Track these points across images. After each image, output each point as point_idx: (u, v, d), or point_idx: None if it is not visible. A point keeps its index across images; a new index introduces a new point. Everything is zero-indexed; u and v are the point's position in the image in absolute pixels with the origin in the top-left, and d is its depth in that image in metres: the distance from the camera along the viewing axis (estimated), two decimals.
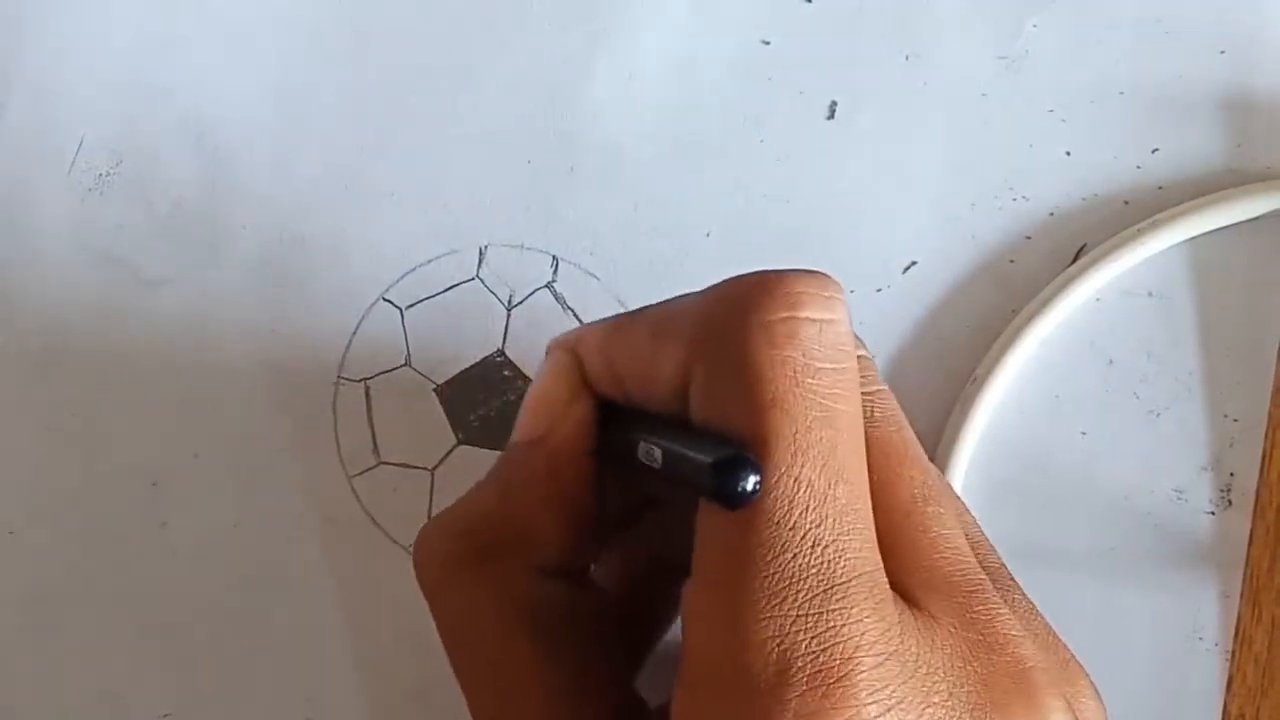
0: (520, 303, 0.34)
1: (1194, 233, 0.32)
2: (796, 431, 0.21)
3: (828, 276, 0.22)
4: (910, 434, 0.24)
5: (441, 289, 0.34)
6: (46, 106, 0.35)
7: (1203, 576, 0.32)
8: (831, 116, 0.34)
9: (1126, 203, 0.33)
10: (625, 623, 0.27)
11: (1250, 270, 0.32)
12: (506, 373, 0.34)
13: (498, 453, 0.33)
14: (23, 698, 0.33)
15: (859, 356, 0.23)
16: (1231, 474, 0.32)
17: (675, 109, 0.34)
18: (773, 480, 0.21)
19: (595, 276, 0.34)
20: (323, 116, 0.34)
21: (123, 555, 0.34)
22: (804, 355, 0.21)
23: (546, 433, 0.25)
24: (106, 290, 0.34)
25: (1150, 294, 0.33)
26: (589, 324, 0.27)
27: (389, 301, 0.34)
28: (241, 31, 0.34)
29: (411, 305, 0.34)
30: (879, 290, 0.33)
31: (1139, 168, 0.33)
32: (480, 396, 0.34)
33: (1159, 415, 0.32)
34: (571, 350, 0.26)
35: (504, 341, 0.34)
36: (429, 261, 0.34)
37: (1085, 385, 0.33)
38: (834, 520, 0.21)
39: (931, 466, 0.25)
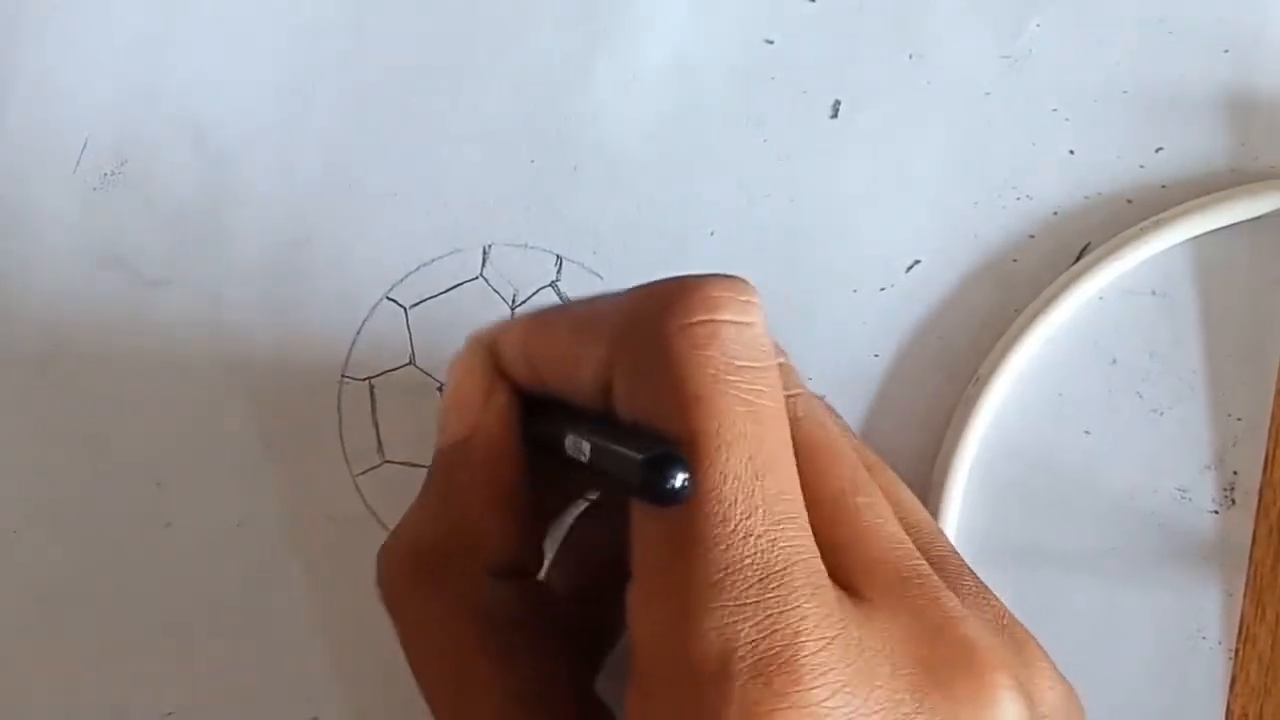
0: (524, 302, 0.34)
1: (1197, 232, 0.32)
2: (720, 426, 0.21)
3: (744, 281, 0.23)
4: (834, 431, 0.25)
5: (445, 288, 0.34)
6: (50, 107, 0.35)
7: (1206, 575, 0.32)
8: (834, 116, 0.34)
9: (1130, 202, 0.33)
10: (582, 626, 0.27)
11: (1254, 269, 0.32)
12: None
13: None
14: (25, 698, 0.33)
15: (780, 364, 0.23)
16: (1235, 473, 0.32)
17: (677, 109, 0.34)
18: (700, 474, 0.21)
19: (599, 275, 0.34)
20: (325, 116, 0.34)
21: (126, 555, 0.34)
22: (724, 354, 0.22)
23: (470, 431, 0.26)
24: (110, 290, 0.34)
25: (1153, 293, 0.33)
26: (505, 320, 0.27)
27: (393, 301, 0.34)
28: (243, 32, 0.34)
29: (416, 304, 0.34)
30: (882, 289, 0.33)
31: (1142, 167, 0.33)
32: None
33: (1162, 414, 0.32)
34: (485, 344, 0.26)
35: None
36: (433, 261, 0.34)
37: (1088, 384, 0.33)
38: (764, 511, 0.21)
39: (864, 457, 0.25)
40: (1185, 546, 0.32)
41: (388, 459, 0.34)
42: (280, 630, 0.33)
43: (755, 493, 0.21)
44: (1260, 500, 0.32)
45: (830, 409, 0.27)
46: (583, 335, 0.24)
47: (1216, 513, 0.32)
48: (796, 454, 0.22)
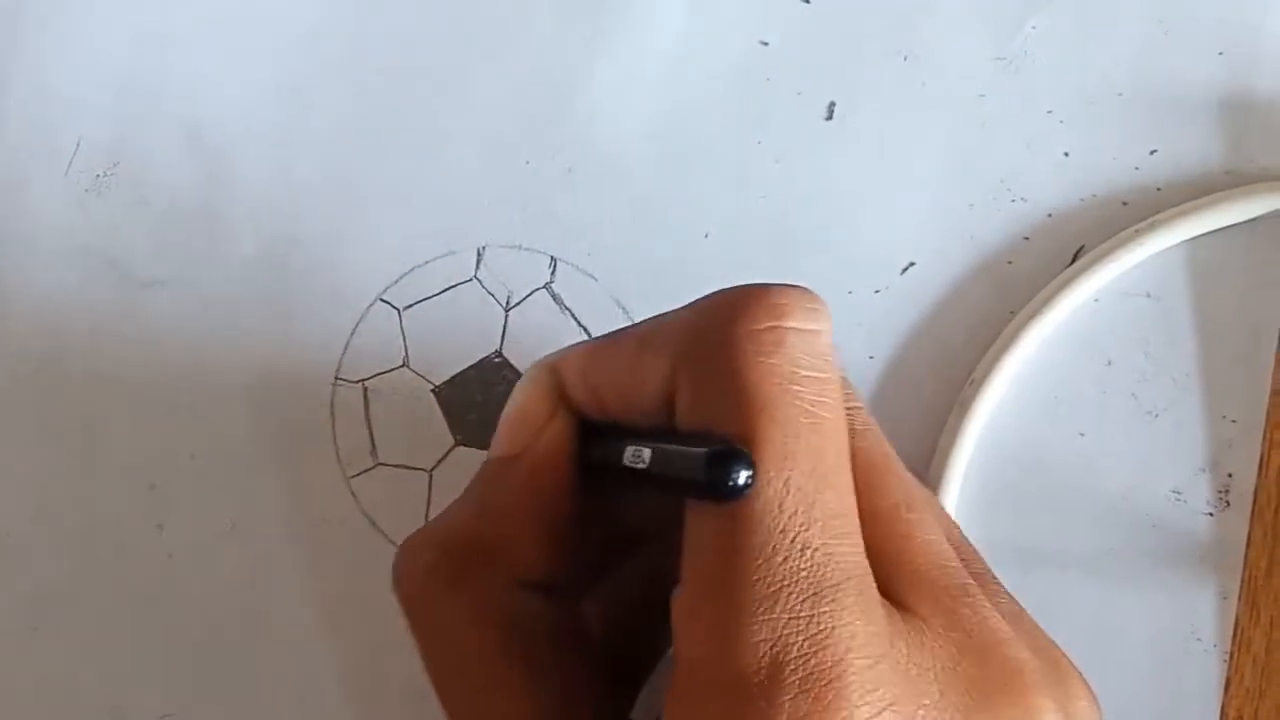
0: (518, 303, 0.34)
1: (1192, 234, 0.32)
2: (785, 437, 0.21)
3: (811, 290, 0.23)
4: (889, 447, 0.25)
5: (439, 290, 0.34)
6: (44, 107, 0.34)
7: (1201, 577, 0.32)
8: (830, 117, 0.34)
9: (1125, 204, 0.33)
10: (615, 655, 0.27)
11: (1248, 271, 0.32)
12: (505, 373, 0.34)
13: None
14: (22, 699, 0.33)
15: (840, 376, 0.23)
16: (1229, 475, 0.32)
17: (673, 110, 0.34)
18: (762, 483, 0.21)
19: (593, 277, 0.34)
20: (320, 117, 0.34)
21: (120, 557, 0.33)
22: (791, 363, 0.21)
23: (524, 449, 0.25)
24: (103, 291, 0.34)
25: (1148, 295, 0.33)
26: (569, 345, 0.27)
27: (387, 302, 0.34)
28: (239, 32, 0.34)
29: (409, 306, 0.34)
30: (877, 291, 0.33)
31: (1137, 169, 0.33)
32: (478, 397, 0.34)
33: (1157, 416, 0.32)
34: (550, 368, 0.26)
35: (502, 342, 0.34)
36: (427, 262, 0.34)
37: (1083, 386, 0.33)
38: (822, 524, 0.21)
39: (911, 476, 0.25)
40: (1180, 548, 0.32)
41: (381, 461, 0.33)
42: (276, 632, 0.33)
43: (815, 505, 0.21)
44: (1255, 502, 0.32)
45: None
46: (645, 351, 0.24)
47: (1211, 515, 0.32)
48: (854, 467, 0.22)
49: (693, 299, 0.24)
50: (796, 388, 0.21)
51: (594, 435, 0.26)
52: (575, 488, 0.25)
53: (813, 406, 0.21)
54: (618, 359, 0.25)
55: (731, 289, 0.23)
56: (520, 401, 0.26)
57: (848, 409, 0.23)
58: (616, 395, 0.25)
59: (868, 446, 0.24)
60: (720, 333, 0.22)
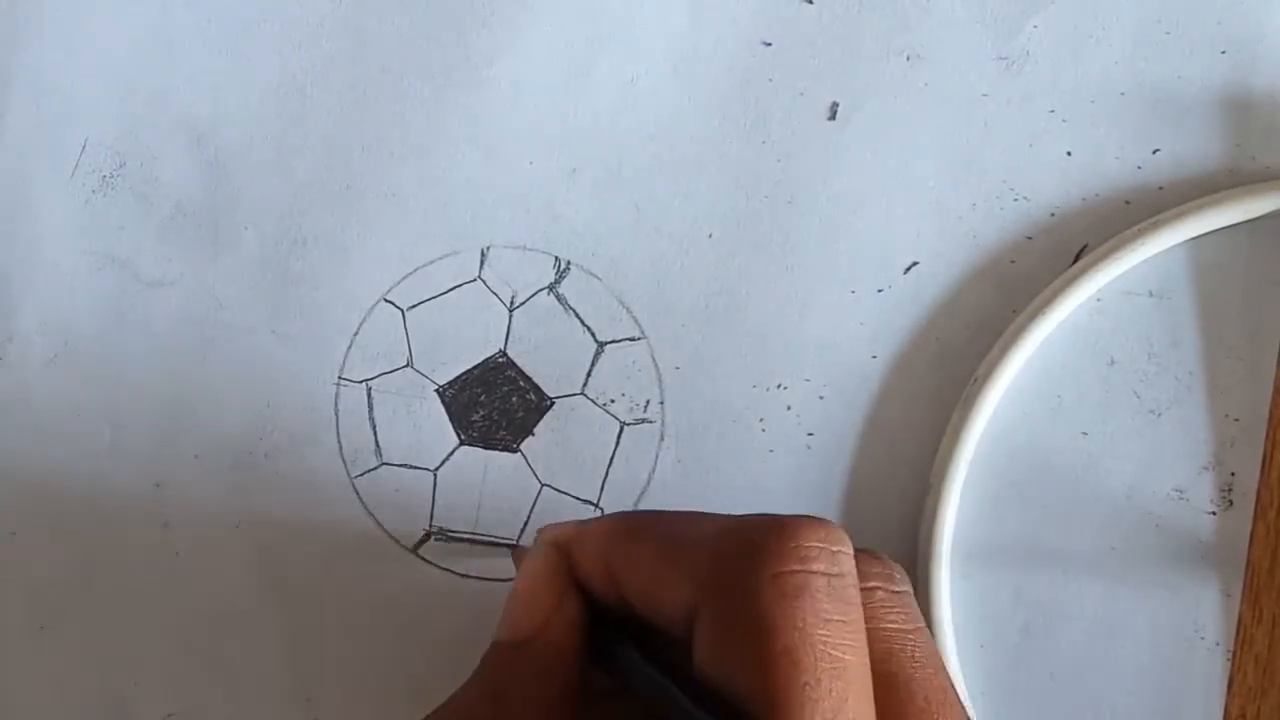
0: (522, 304, 0.34)
1: (1195, 233, 0.32)
2: (807, 683, 0.21)
3: (836, 528, 0.23)
4: (948, 676, 0.24)
5: (443, 290, 0.34)
6: (49, 109, 0.35)
7: (1204, 576, 0.32)
8: (832, 117, 0.34)
9: (1127, 203, 0.33)
10: None
11: (1251, 270, 0.32)
12: (509, 374, 0.34)
13: (499, 453, 0.33)
14: (26, 698, 0.34)
15: (899, 592, 0.23)
16: (1232, 474, 0.32)
17: (676, 110, 0.34)
18: None
19: (597, 277, 0.34)
20: (323, 117, 0.34)
21: (125, 556, 0.34)
22: (813, 610, 0.22)
23: (534, 634, 0.25)
24: (108, 291, 0.34)
25: (1151, 294, 0.33)
26: (585, 521, 0.27)
27: (390, 302, 0.34)
28: (242, 33, 0.35)
29: (413, 306, 0.34)
30: (880, 291, 0.33)
31: (1140, 168, 0.33)
32: (482, 397, 0.34)
33: (1160, 415, 0.32)
34: (558, 545, 0.26)
35: (506, 342, 0.34)
36: (430, 263, 0.34)
37: (1086, 385, 0.33)
38: None
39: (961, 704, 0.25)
40: (1183, 547, 0.32)
41: (385, 461, 0.34)
42: (279, 631, 0.33)
43: None
44: (1258, 501, 0.32)
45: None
46: (670, 566, 0.24)
47: (1214, 513, 0.32)
48: (913, 699, 0.22)
49: (719, 517, 0.23)
50: (820, 632, 0.21)
51: (602, 619, 0.26)
52: (585, 671, 0.25)
53: (835, 650, 0.21)
54: (639, 561, 0.24)
55: (758, 521, 0.23)
56: (529, 581, 0.26)
57: (908, 632, 0.23)
58: (636, 595, 0.25)
59: (926, 677, 0.23)
60: (744, 572, 0.22)
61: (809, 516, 0.23)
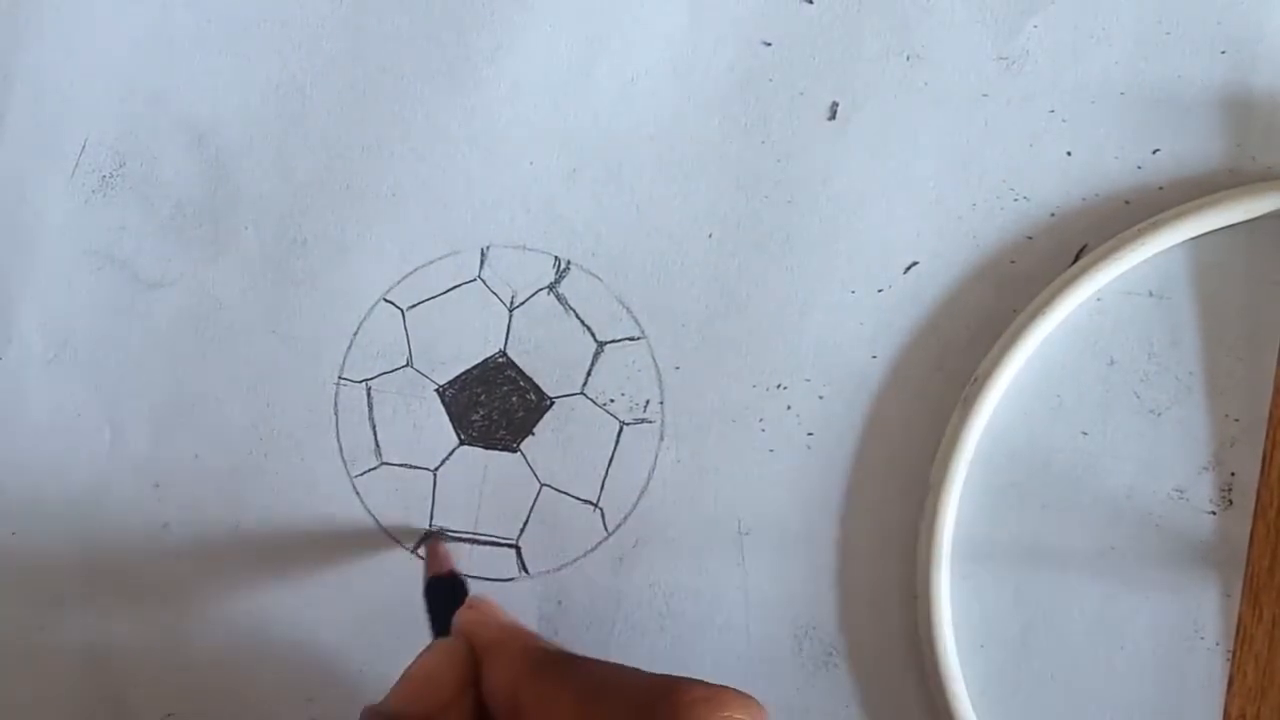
0: (522, 303, 0.34)
1: (1194, 233, 0.32)
2: None
3: (756, 703, 0.23)
4: None
5: (443, 290, 0.34)
6: (49, 109, 0.35)
7: (1204, 576, 0.32)
8: (832, 117, 0.34)
9: (1127, 203, 0.33)
10: None
11: (1250, 270, 0.32)
12: (509, 373, 0.34)
13: (499, 453, 0.33)
14: (25, 698, 0.34)
15: None
16: (1232, 473, 0.32)
17: (676, 110, 0.34)
18: None
19: (597, 277, 0.34)
20: (323, 117, 0.34)
21: (125, 556, 0.34)
22: None
23: (427, 717, 0.25)
24: (108, 291, 0.34)
25: (1151, 294, 0.33)
26: (505, 627, 0.26)
27: (390, 302, 0.34)
28: (242, 33, 0.35)
29: (413, 306, 0.34)
30: (880, 290, 0.33)
31: (1140, 168, 0.33)
32: (482, 397, 0.34)
33: (1160, 415, 0.32)
34: (468, 641, 0.26)
35: (506, 342, 0.34)
36: (430, 262, 0.34)
37: (1086, 385, 0.33)
38: None
39: None
40: (1183, 547, 0.32)
41: (385, 461, 0.34)
42: (279, 631, 0.33)
43: None
44: (1258, 501, 0.32)
45: None
46: (586, 714, 0.23)
47: (1214, 513, 0.32)
48: None
49: (642, 673, 0.24)
50: None
51: None
52: None
53: None
54: (553, 703, 0.24)
55: (686, 686, 0.23)
56: (436, 660, 0.26)
57: None
58: None
59: None
60: None
61: (736, 690, 0.23)
